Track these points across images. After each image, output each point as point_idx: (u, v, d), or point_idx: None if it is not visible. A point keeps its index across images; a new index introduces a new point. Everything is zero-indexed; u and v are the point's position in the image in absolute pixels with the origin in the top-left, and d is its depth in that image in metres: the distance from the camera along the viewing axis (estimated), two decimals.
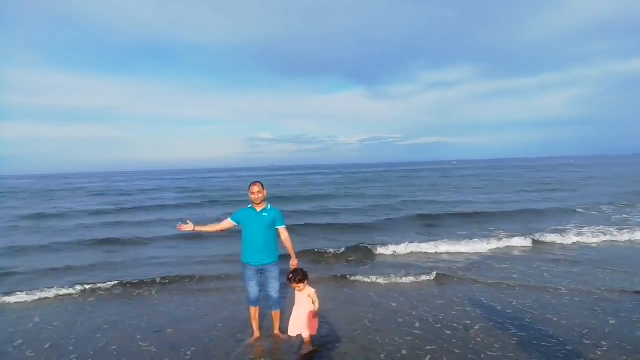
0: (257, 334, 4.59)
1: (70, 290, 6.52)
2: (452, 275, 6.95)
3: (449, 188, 26.23)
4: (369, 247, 8.92)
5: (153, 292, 6.55)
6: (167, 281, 6.97)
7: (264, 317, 4.85)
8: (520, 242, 9.21)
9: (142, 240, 10.77)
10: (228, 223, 4.52)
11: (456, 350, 4.12)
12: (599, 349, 4.07)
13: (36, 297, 6.30)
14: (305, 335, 4.10)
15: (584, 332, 4.50)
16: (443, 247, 8.91)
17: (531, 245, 9.14)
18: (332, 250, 8.81)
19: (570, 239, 9.46)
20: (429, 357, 4.00)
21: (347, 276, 6.99)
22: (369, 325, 4.89)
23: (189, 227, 4.39)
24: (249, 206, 4.47)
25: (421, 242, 9.26)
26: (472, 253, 8.63)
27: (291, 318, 4.14)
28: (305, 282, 4.06)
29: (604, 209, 14.06)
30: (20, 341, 4.80)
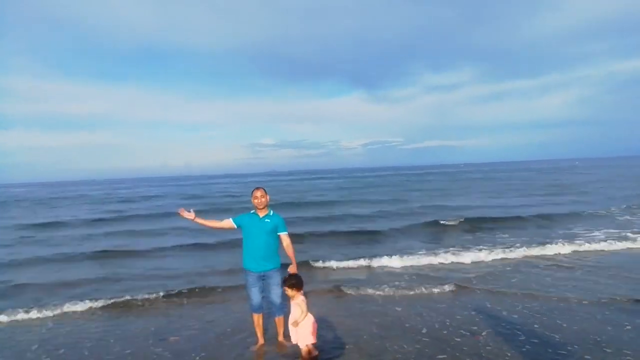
0: (261, 340, 4.53)
1: (77, 306, 6.24)
2: (466, 285, 6.58)
3: (457, 192, 25.93)
4: (373, 258, 8.49)
5: (159, 303, 6.44)
6: (173, 292, 6.79)
7: (267, 324, 4.76)
8: (534, 250, 8.69)
9: (145, 251, 10.55)
10: (228, 223, 4.45)
11: None
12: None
13: (47, 313, 6.07)
14: (301, 345, 3.96)
15: (598, 339, 4.35)
16: (452, 256, 8.46)
17: (546, 253, 8.60)
18: (334, 260, 8.49)
19: (584, 245, 8.92)
20: None
21: (349, 287, 6.68)
22: (375, 331, 4.77)
23: (189, 216, 4.31)
24: (252, 211, 4.44)
25: (429, 250, 9.00)
26: (484, 262, 8.17)
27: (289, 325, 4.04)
28: (297, 290, 3.90)
29: (620, 213, 13.62)
30: (35, 346, 4.81)
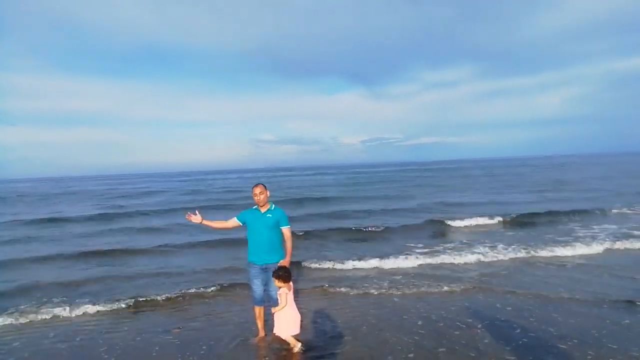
0: (261, 333, 4.63)
1: (84, 308, 6.14)
2: (464, 283, 6.57)
3: (455, 189, 25.92)
4: (373, 256, 8.47)
5: (164, 300, 6.39)
6: (179, 292, 6.66)
7: (268, 317, 4.84)
8: (534, 249, 8.60)
9: (148, 249, 10.48)
10: (234, 222, 4.63)
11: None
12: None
13: (54, 314, 6.00)
14: (282, 336, 4.09)
15: (596, 334, 4.42)
16: (450, 256, 8.41)
17: (546, 253, 8.47)
18: (332, 258, 8.40)
19: (584, 245, 8.83)
20: None
21: (346, 284, 6.69)
22: (374, 324, 4.86)
23: (197, 219, 4.50)
24: (254, 207, 4.54)
25: (427, 248, 9.02)
26: (482, 261, 8.09)
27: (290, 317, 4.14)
28: (283, 282, 3.99)
29: (618, 210, 13.59)
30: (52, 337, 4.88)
